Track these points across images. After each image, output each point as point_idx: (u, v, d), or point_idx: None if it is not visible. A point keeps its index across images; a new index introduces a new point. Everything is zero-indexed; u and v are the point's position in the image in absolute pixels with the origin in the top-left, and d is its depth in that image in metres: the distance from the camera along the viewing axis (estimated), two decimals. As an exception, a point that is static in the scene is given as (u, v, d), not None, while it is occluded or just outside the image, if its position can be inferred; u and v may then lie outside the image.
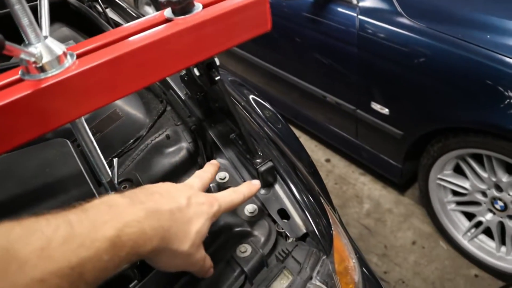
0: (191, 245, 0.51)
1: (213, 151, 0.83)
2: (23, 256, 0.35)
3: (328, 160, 2.65)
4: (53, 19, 1.25)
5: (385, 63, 1.86)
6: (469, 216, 1.99)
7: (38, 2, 0.59)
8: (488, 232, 1.94)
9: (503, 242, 1.89)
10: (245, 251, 0.64)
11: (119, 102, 0.93)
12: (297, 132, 2.77)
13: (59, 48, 0.53)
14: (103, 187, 0.69)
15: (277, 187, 0.73)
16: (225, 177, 0.75)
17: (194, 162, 0.85)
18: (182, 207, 0.52)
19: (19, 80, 0.53)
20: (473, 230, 1.98)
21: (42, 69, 0.52)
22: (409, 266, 2.07)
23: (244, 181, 0.75)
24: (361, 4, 1.92)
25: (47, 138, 0.85)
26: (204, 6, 0.63)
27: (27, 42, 0.52)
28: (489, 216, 1.88)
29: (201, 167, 0.85)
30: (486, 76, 1.53)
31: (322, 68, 2.23)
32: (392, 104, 1.95)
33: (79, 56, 0.56)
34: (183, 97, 0.91)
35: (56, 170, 0.75)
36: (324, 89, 2.29)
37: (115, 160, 0.75)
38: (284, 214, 0.71)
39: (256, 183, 0.66)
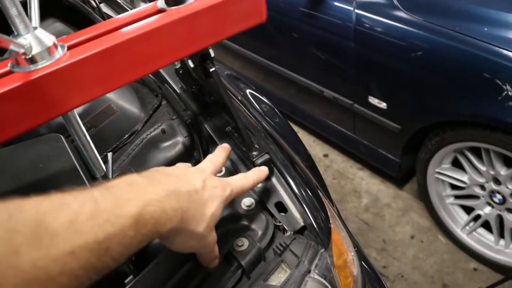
0: (206, 227, 0.53)
1: (209, 145, 0.82)
2: (53, 229, 0.36)
3: (326, 155, 2.65)
4: (46, 14, 1.23)
5: (382, 57, 1.85)
6: (468, 209, 1.99)
7: (27, -8, 0.58)
8: (486, 225, 1.94)
9: (501, 235, 1.89)
10: (242, 245, 0.63)
11: (113, 97, 0.92)
12: (295, 128, 2.76)
13: (49, 39, 0.52)
14: (98, 182, 0.68)
15: (274, 180, 0.73)
16: (221, 171, 0.74)
17: (190, 156, 0.84)
18: (198, 189, 0.53)
19: (9, 72, 0.52)
20: (471, 224, 1.98)
21: (32, 61, 0.51)
22: (408, 260, 2.07)
23: (241, 174, 0.74)
24: (357, -3, 1.90)
25: (40, 133, 0.84)
26: (198, -4, 0.61)
27: (16, 33, 0.51)
28: (487, 209, 1.87)
29: (197, 161, 0.84)
30: (483, 69, 1.52)
31: (319, 63, 2.22)
32: (389, 98, 1.94)
33: (70, 47, 0.55)
34: (178, 91, 0.89)
35: (49, 166, 0.74)
36: (321, 84, 2.28)
37: (110, 155, 0.74)
38: (281, 207, 0.70)
39: (265, 169, 0.67)
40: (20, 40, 0.50)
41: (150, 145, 0.85)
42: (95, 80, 0.55)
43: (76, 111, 0.64)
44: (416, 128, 1.89)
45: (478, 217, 1.92)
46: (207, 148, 0.83)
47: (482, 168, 1.77)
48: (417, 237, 2.15)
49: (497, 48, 1.48)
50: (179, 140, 0.86)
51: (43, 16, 1.08)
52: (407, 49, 1.73)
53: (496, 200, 1.79)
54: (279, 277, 0.62)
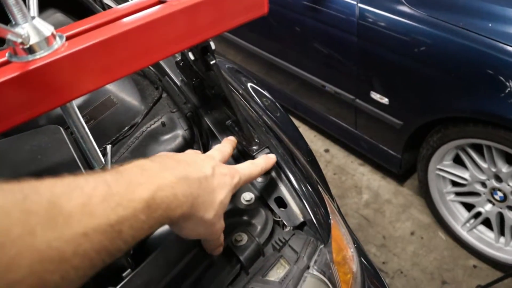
0: (215, 214, 0.53)
1: (209, 138, 0.82)
2: (67, 211, 0.37)
3: (327, 151, 2.64)
4: (46, 5, 1.22)
5: (385, 52, 1.84)
6: (468, 206, 1.98)
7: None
8: (487, 222, 1.93)
9: (502, 233, 1.88)
10: (241, 240, 0.62)
11: (113, 89, 0.91)
12: (296, 122, 2.75)
13: (47, 29, 0.51)
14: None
15: (274, 175, 0.72)
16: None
17: (190, 149, 0.84)
18: (208, 176, 0.53)
19: (6, 62, 0.51)
20: (472, 221, 1.97)
21: (29, 51, 0.50)
22: (408, 256, 2.07)
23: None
24: (361, -9, 1.89)
25: (39, 124, 0.83)
26: (199, -13, 0.60)
27: (13, 23, 0.50)
28: (488, 206, 1.87)
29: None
30: (487, 65, 1.51)
31: (321, 57, 2.21)
32: (391, 94, 1.93)
33: (68, 38, 0.54)
34: (178, 84, 0.89)
35: (48, 157, 0.73)
36: (323, 79, 2.27)
37: (109, 147, 0.74)
38: (281, 202, 0.70)
39: (273, 157, 0.68)
40: (18, 30, 0.49)
41: (150, 138, 0.85)
42: (94, 71, 0.54)
43: (75, 103, 0.63)
44: (418, 124, 1.88)
45: (478, 214, 1.92)
46: (207, 141, 0.82)
47: (484, 165, 1.76)
48: (417, 234, 2.15)
49: (501, 45, 1.47)
50: (179, 133, 0.85)
51: (43, 6, 1.07)
52: (410, 44, 1.72)
53: (497, 197, 1.79)
54: (277, 272, 0.62)
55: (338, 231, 0.75)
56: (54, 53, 0.51)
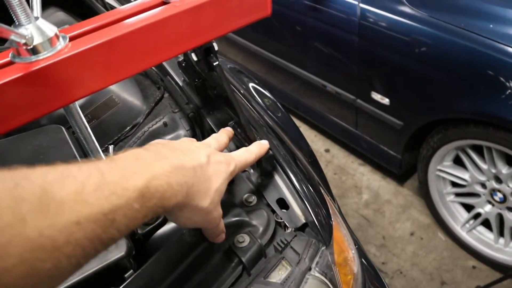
0: (210, 202, 0.53)
1: (210, 139, 0.81)
2: (60, 198, 0.36)
3: (327, 150, 2.64)
4: (48, 3, 1.22)
5: (386, 52, 1.84)
6: (468, 207, 1.99)
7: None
8: (486, 223, 1.93)
9: (501, 234, 1.89)
10: (243, 241, 0.62)
11: (115, 89, 0.91)
12: (297, 122, 2.75)
13: (50, 30, 0.51)
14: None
15: (276, 176, 0.72)
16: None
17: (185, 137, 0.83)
18: (203, 164, 0.53)
19: (9, 63, 0.51)
20: (471, 222, 1.97)
21: (33, 51, 0.50)
22: (407, 257, 2.07)
23: (243, 170, 0.73)
24: (362, -9, 1.89)
25: (41, 124, 0.83)
26: (203, -12, 0.60)
27: (17, 23, 0.50)
28: (488, 207, 1.87)
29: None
30: (488, 67, 1.51)
31: (322, 57, 2.21)
32: (392, 94, 1.93)
33: (72, 38, 0.54)
34: (180, 84, 0.88)
35: (50, 157, 0.73)
36: (324, 79, 2.27)
37: (111, 147, 0.74)
38: (283, 203, 0.70)
39: (265, 143, 0.68)
40: (21, 30, 0.49)
41: (152, 138, 0.84)
42: (97, 72, 0.54)
43: (77, 103, 0.63)
44: (418, 125, 1.88)
45: (478, 215, 1.92)
46: (208, 141, 0.82)
47: (484, 166, 1.76)
48: (416, 234, 2.15)
49: (502, 46, 1.47)
50: (181, 134, 0.85)
51: (45, 5, 1.07)
52: (411, 44, 1.72)
53: (496, 198, 1.79)
54: (279, 274, 0.62)
55: (340, 233, 0.75)
56: (58, 54, 0.51)
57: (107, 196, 0.39)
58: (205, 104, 0.84)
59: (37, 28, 0.50)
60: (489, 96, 1.53)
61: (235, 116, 0.71)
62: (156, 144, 0.54)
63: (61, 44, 0.52)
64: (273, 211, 0.69)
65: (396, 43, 1.77)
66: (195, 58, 0.68)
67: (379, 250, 2.11)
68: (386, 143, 2.14)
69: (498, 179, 1.75)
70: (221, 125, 0.81)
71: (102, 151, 0.68)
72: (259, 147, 0.66)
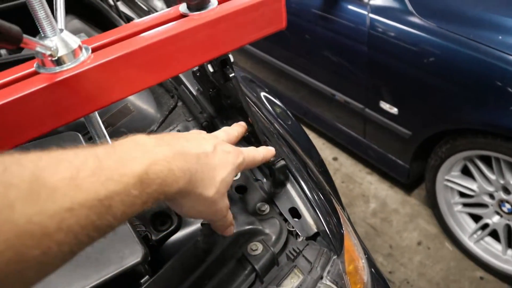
0: (215, 191, 0.52)
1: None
2: (52, 184, 0.35)
3: (335, 159, 2.64)
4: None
5: (395, 62, 1.85)
6: (476, 218, 1.98)
7: (54, -5, 0.59)
8: (494, 234, 1.93)
9: (509, 245, 1.88)
10: (256, 249, 0.64)
11: (130, 97, 0.92)
12: (305, 130, 2.76)
13: (74, 41, 0.53)
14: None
15: (288, 185, 0.73)
16: (236, 174, 0.75)
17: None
18: (208, 153, 0.52)
19: (34, 73, 0.53)
20: (479, 232, 1.97)
21: (57, 62, 0.52)
22: (414, 266, 2.07)
23: (256, 179, 0.74)
24: (372, 2, 1.90)
25: (58, 131, 0.85)
26: (220, 2, 0.62)
27: (42, 35, 0.52)
28: (496, 218, 1.87)
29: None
30: (496, 78, 1.52)
31: (331, 66, 2.22)
32: (401, 104, 1.93)
33: (94, 50, 0.56)
34: (194, 93, 0.90)
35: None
36: (333, 87, 2.28)
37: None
38: (295, 213, 0.71)
39: (272, 149, 0.67)
40: (47, 42, 0.51)
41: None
42: (118, 83, 0.56)
43: (96, 111, 0.65)
44: (426, 134, 1.88)
45: (486, 226, 1.92)
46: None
47: (492, 177, 1.76)
48: (424, 244, 2.15)
49: (510, 57, 1.47)
50: (194, 142, 0.86)
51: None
52: (420, 55, 1.73)
53: (505, 209, 1.79)
54: (291, 282, 0.63)
55: (350, 242, 0.76)
56: (81, 65, 0.52)
57: (104, 182, 0.38)
58: (219, 114, 0.85)
59: (61, 40, 0.52)
60: (498, 107, 1.54)
61: (250, 126, 0.72)
62: (161, 133, 0.53)
63: (84, 55, 0.54)
64: (286, 220, 0.70)
65: (405, 53, 1.78)
66: (211, 69, 0.70)
67: (386, 259, 2.10)
68: (394, 152, 2.14)
69: (506, 190, 1.75)
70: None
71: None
72: (266, 150, 0.65)
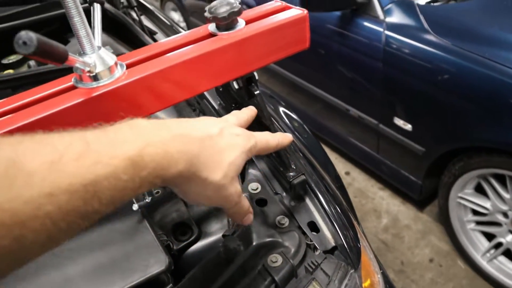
0: (223, 175, 0.49)
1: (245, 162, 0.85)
2: (30, 168, 0.33)
3: (348, 173, 2.65)
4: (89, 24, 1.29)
5: (410, 79, 1.87)
6: (489, 236, 1.97)
7: (91, 14, 0.62)
8: (508, 253, 1.91)
9: (523, 265, 1.87)
10: (276, 261, 0.65)
11: (153, 109, 0.95)
12: (317, 144, 2.78)
13: (111, 58, 0.56)
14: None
15: (307, 200, 0.75)
16: (257, 188, 0.77)
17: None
18: (213, 135, 0.49)
19: (72, 87, 0.56)
20: (492, 251, 1.96)
21: (95, 78, 0.55)
22: (426, 283, 2.06)
23: (276, 193, 0.77)
24: (388, 19, 1.93)
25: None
26: (247, 23, 0.65)
27: (82, 52, 0.55)
28: (509, 237, 1.85)
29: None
30: (511, 96, 1.52)
31: (346, 81, 2.25)
32: (415, 120, 1.95)
33: (128, 66, 0.59)
34: (216, 107, 0.93)
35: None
36: (347, 102, 2.30)
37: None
38: (313, 226, 0.72)
39: (289, 136, 0.64)
40: (86, 59, 0.54)
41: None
42: (149, 98, 0.58)
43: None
44: (440, 151, 1.89)
45: (499, 244, 1.90)
46: (242, 164, 0.86)
47: (506, 195, 1.76)
48: (436, 261, 2.14)
49: (526, 76, 1.49)
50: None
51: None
52: (435, 72, 1.74)
53: (519, 228, 1.78)
54: (310, 294, 0.64)
55: (366, 257, 0.77)
56: (116, 81, 0.55)
57: (90, 166, 0.36)
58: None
59: (99, 57, 0.55)
60: (513, 126, 1.54)
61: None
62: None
63: (119, 71, 0.57)
64: (304, 233, 0.71)
65: (419, 70, 1.80)
66: (236, 86, 0.72)
67: (398, 276, 2.10)
68: (407, 169, 2.14)
69: (520, 209, 1.74)
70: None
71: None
72: (283, 136, 0.62)
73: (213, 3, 0.62)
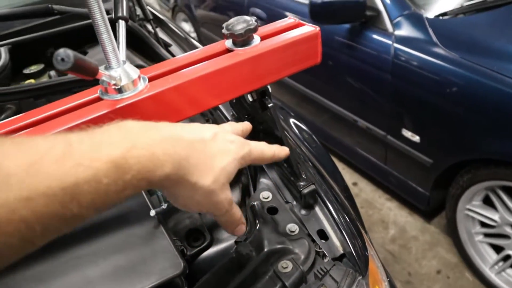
0: (213, 180, 0.48)
1: (257, 171, 0.88)
2: (8, 170, 0.32)
3: (355, 184, 2.67)
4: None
5: (418, 91, 1.89)
6: (497, 248, 1.97)
7: (117, 30, 0.66)
8: (516, 266, 1.92)
9: (531, 277, 1.87)
10: (286, 267, 0.68)
11: (168, 119, 0.99)
12: (325, 154, 2.80)
13: (134, 72, 0.60)
14: (156, 196, 0.75)
15: (317, 209, 0.78)
16: (268, 196, 0.80)
17: (237, 180, 0.90)
18: (205, 139, 0.49)
19: (98, 99, 0.60)
20: (501, 264, 1.96)
21: (119, 91, 0.58)
22: (433, 295, 2.06)
23: (286, 201, 0.79)
24: (397, 32, 1.96)
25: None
26: (262, 39, 0.68)
27: (108, 66, 0.59)
28: (518, 250, 1.86)
29: (244, 186, 0.90)
30: (519, 109, 1.54)
31: (355, 92, 2.27)
32: (423, 132, 1.97)
33: (149, 79, 0.62)
34: (229, 118, 0.96)
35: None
36: (355, 113, 2.32)
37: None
38: (323, 234, 0.75)
39: (286, 149, 0.64)
40: (112, 73, 0.57)
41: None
42: (169, 110, 0.62)
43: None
44: (448, 163, 1.90)
45: (508, 257, 1.91)
46: (254, 173, 0.89)
47: (514, 208, 1.77)
48: (443, 273, 2.14)
49: (534, 90, 1.50)
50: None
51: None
52: (443, 84, 1.76)
53: (527, 241, 1.78)
54: (319, 300, 0.67)
55: (374, 265, 0.80)
56: (139, 93, 0.59)
57: (71, 168, 0.35)
58: (252, 138, 0.91)
59: (124, 71, 0.58)
60: (520, 139, 1.56)
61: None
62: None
63: (141, 85, 0.60)
64: (314, 241, 0.74)
65: (428, 82, 1.83)
66: (250, 99, 0.76)
67: (405, 287, 2.10)
68: (415, 180, 2.16)
69: (528, 222, 1.75)
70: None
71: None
72: (279, 148, 0.62)
73: (231, 20, 0.65)
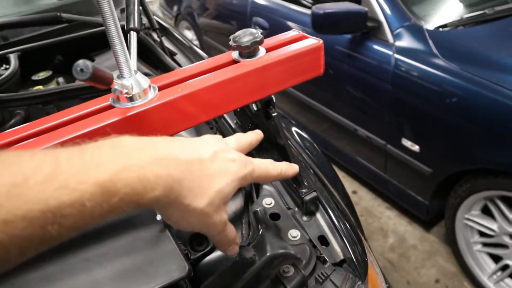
0: (208, 203, 0.46)
1: (260, 178, 0.90)
2: None
3: (355, 192, 2.69)
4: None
5: (418, 101, 1.92)
6: (496, 258, 1.99)
7: (128, 41, 0.69)
8: (514, 276, 1.93)
9: (529, 287, 1.88)
10: (288, 271, 0.70)
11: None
12: (326, 162, 2.82)
13: (145, 81, 0.62)
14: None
15: (318, 215, 0.80)
16: (271, 203, 0.82)
17: (240, 189, 0.92)
18: (204, 160, 0.46)
19: (110, 107, 0.62)
20: (499, 273, 1.97)
21: (131, 99, 0.61)
22: (432, 304, 2.07)
23: (288, 208, 0.82)
24: (397, 43, 1.99)
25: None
26: (267, 51, 0.71)
27: (120, 75, 0.61)
28: (516, 260, 1.88)
29: (247, 192, 0.92)
30: (518, 121, 1.57)
31: (355, 101, 2.30)
32: (423, 142, 1.99)
33: (159, 89, 0.65)
34: (233, 126, 0.99)
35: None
36: (355, 122, 2.35)
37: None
38: (324, 240, 0.77)
39: (296, 166, 0.62)
40: (124, 82, 0.60)
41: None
42: (177, 118, 0.64)
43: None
44: (447, 173, 1.93)
45: (506, 267, 1.92)
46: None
47: (512, 217, 1.78)
48: (442, 282, 2.16)
49: (532, 101, 1.53)
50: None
51: (107, 45, 1.21)
52: (443, 95, 1.79)
53: (525, 251, 1.80)
54: (319, 303, 0.69)
55: (373, 271, 0.82)
56: (149, 102, 0.61)
57: (54, 191, 0.33)
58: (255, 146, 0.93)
59: (136, 80, 0.61)
60: (519, 150, 1.58)
61: (286, 160, 0.80)
62: (164, 137, 0.47)
63: (152, 93, 0.63)
64: (315, 247, 0.76)
65: (428, 93, 1.86)
66: (255, 108, 0.78)
67: (404, 295, 2.12)
68: (414, 189, 2.18)
69: (526, 232, 1.77)
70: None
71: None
72: (287, 165, 0.60)
73: (237, 33, 0.68)
